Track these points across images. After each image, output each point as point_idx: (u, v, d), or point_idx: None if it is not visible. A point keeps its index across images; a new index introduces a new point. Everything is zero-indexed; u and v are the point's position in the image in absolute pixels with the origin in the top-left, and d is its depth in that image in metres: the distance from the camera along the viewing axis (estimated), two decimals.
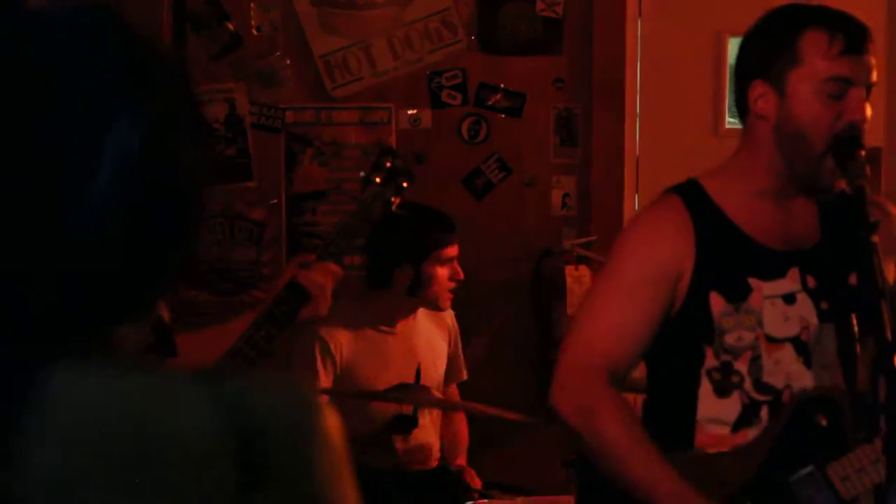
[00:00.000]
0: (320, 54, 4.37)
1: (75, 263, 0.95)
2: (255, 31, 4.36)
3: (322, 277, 2.65)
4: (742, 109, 2.47)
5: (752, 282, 2.40)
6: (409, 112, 4.40)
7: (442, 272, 3.71)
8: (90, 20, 0.99)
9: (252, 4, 4.36)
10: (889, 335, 2.11)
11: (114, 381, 0.97)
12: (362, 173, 2.81)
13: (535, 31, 4.38)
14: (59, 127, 0.95)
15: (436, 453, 3.87)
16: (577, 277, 4.29)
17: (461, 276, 3.76)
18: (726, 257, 2.42)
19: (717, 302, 2.39)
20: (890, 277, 2.40)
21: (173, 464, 0.94)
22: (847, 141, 2.32)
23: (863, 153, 2.31)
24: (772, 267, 2.41)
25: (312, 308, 2.65)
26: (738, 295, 2.39)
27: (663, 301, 2.41)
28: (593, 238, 4.33)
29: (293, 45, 4.37)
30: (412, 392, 3.47)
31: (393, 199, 2.75)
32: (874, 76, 2.39)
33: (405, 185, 2.76)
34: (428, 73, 4.39)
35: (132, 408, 0.95)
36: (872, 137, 2.67)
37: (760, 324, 2.39)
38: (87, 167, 0.95)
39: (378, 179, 2.75)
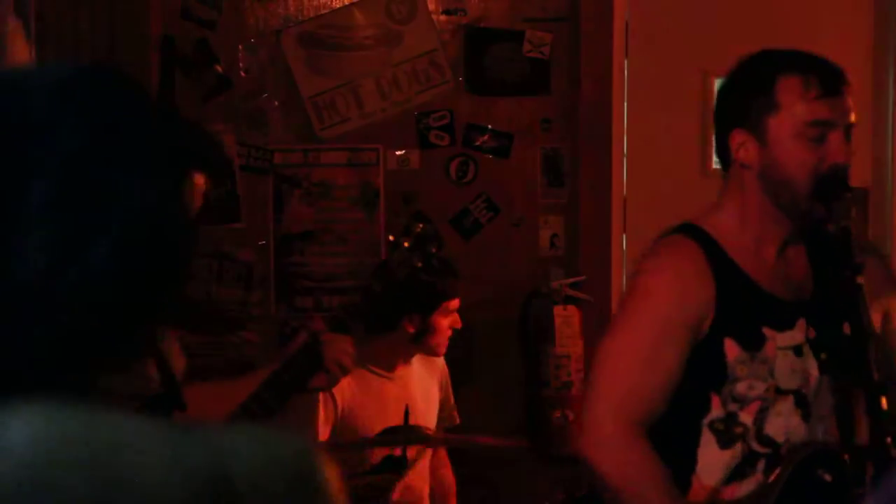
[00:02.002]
0: (308, 96, 4.38)
1: (67, 305, 0.95)
2: (243, 73, 4.37)
3: (340, 354, 2.63)
4: (725, 158, 2.47)
5: (767, 332, 2.38)
6: (397, 153, 4.41)
7: (445, 321, 3.74)
8: (85, 78, 1.00)
9: (240, 46, 4.37)
10: (876, 376, 2.11)
11: (82, 424, 0.96)
12: (391, 237, 2.83)
13: (523, 72, 4.40)
14: (64, 179, 0.96)
15: (426, 499, 3.85)
16: (565, 318, 4.29)
17: (460, 325, 3.81)
18: (742, 305, 2.39)
19: (732, 349, 2.36)
20: (877, 320, 2.39)
21: None
22: (832, 182, 2.33)
23: (849, 194, 2.31)
24: (783, 317, 2.40)
25: (324, 380, 2.63)
26: (754, 344, 2.36)
27: (690, 347, 2.37)
28: (581, 278, 4.34)
29: (281, 87, 4.38)
30: (407, 433, 3.46)
31: (418, 264, 2.76)
32: (853, 117, 2.39)
33: (434, 251, 2.77)
34: (416, 113, 4.40)
35: (96, 453, 0.94)
36: (859, 179, 2.67)
37: (773, 375, 2.37)
38: (90, 220, 0.95)
39: (406, 244, 2.76)
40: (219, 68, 4.35)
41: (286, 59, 4.37)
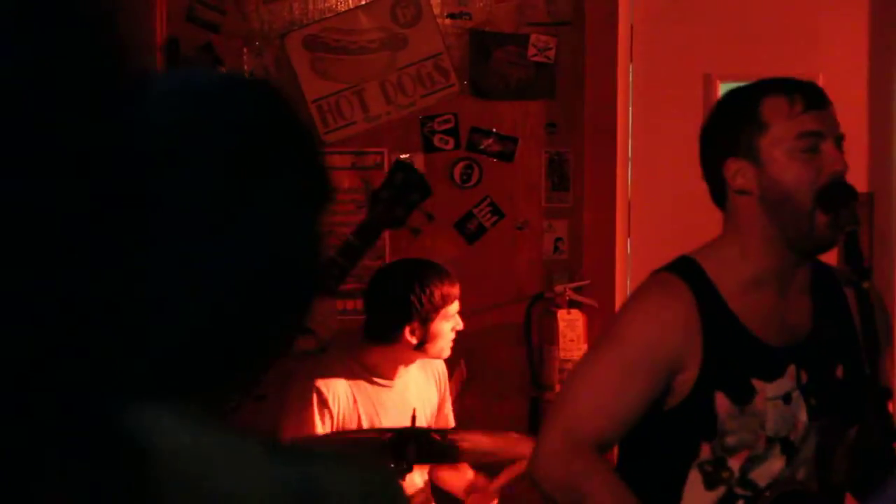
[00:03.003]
0: (313, 99, 4.38)
1: (193, 326, 0.94)
2: (247, 76, 4.37)
3: (325, 315, 2.62)
4: (719, 193, 2.46)
5: (757, 384, 2.37)
6: (402, 156, 4.40)
7: (446, 326, 3.74)
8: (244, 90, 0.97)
9: (245, 49, 4.37)
10: (882, 382, 2.11)
11: (191, 439, 0.94)
12: (371, 190, 2.68)
13: (527, 75, 4.40)
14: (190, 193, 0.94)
15: (432, 499, 3.86)
16: (569, 322, 4.28)
17: (462, 326, 3.80)
18: (731, 356, 2.38)
19: (722, 403, 2.35)
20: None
21: None
22: (835, 190, 2.33)
23: (854, 201, 2.31)
24: (773, 366, 2.38)
25: (312, 342, 2.62)
26: (743, 398, 2.35)
27: (659, 388, 2.36)
28: (585, 282, 4.34)
29: (286, 90, 4.37)
30: (410, 439, 3.45)
31: (400, 215, 2.64)
32: (840, 129, 2.40)
33: (416, 199, 2.64)
34: (420, 117, 4.40)
35: (200, 468, 0.93)
36: (860, 184, 2.68)
37: (763, 426, 2.36)
38: (217, 237, 0.94)
39: (386, 195, 2.64)
40: (223, 71, 4.35)
41: (291, 62, 4.37)
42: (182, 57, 4.33)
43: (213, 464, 0.93)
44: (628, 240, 4.43)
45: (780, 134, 2.36)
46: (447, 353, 3.81)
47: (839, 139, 2.38)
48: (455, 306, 3.75)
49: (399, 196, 2.62)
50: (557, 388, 4.25)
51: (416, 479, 3.76)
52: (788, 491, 2.35)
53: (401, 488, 1.01)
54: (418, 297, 3.67)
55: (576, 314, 4.29)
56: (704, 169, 2.48)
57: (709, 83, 4.41)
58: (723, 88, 4.35)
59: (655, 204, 4.35)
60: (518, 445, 3.49)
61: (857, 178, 2.53)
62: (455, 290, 3.76)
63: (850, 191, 2.32)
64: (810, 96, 2.38)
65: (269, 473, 0.94)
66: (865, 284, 2.19)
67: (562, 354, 4.26)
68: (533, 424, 4.29)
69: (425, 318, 3.69)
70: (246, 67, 4.37)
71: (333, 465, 0.99)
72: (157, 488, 0.89)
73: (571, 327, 4.27)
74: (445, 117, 4.40)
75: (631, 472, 2.44)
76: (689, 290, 2.39)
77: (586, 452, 2.33)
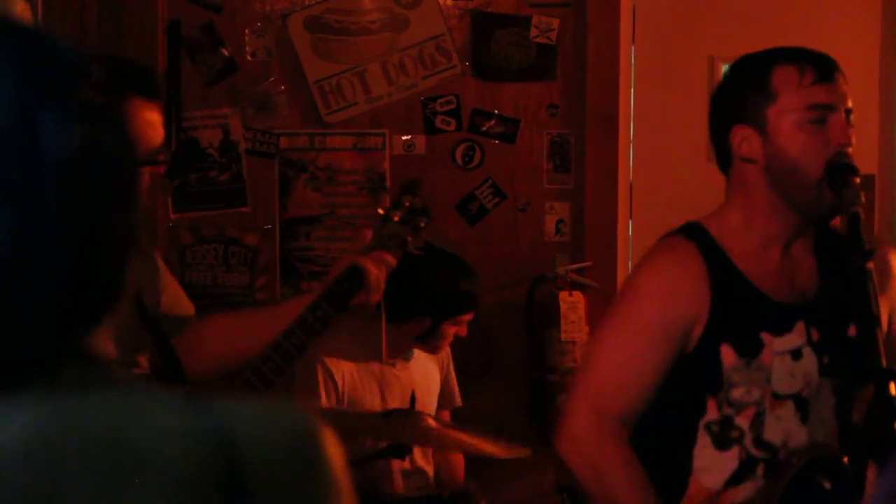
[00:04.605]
0: (315, 80, 4.38)
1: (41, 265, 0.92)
2: (249, 57, 4.36)
3: (377, 268, 2.67)
4: (725, 159, 2.45)
5: (765, 337, 2.37)
6: (403, 138, 4.40)
7: (452, 329, 3.75)
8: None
9: (246, 30, 4.36)
10: (884, 363, 2.10)
11: (92, 401, 0.95)
12: (381, 210, 2.82)
13: (530, 57, 4.39)
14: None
15: (430, 479, 3.86)
16: (570, 303, 4.28)
17: (464, 334, 3.81)
18: (740, 310, 2.38)
19: (728, 355, 2.35)
20: (884, 318, 2.38)
21: (151, 487, 0.92)
22: (841, 169, 2.32)
23: (857, 180, 2.31)
24: (781, 321, 2.39)
25: (364, 296, 2.67)
26: (750, 350, 2.36)
27: (676, 350, 2.37)
28: (587, 264, 4.33)
29: (287, 71, 4.38)
30: (409, 422, 3.45)
31: (409, 238, 2.77)
32: (850, 102, 2.39)
33: (422, 225, 2.77)
34: (422, 98, 4.39)
35: (109, 428, 0.93)
36: (865, 165, 2.67)
37: (769, 381, 2.36)
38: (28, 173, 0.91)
39: (396, 218, 2.76)
40: (225, 52, 4.34)
41: (292, 43, 4.36)
42: (184, 38, 4.32)
43: (118, 427, 0.93)
44: (630, 221, 4.43)
45: (788, 104, 2.35)
46: (441, 351, 3.85)
47: (848, 112, 2.38)
48: (469, 317, 3.76)
49: (408, 219, 2.75)
50: (558, 369, 4.26)
51: (419, 459, 3.77)
52: (816, 457, 2.34)
53: (323, 435, 1.01)
54: (450, 295, 3.68)
55: (577, 296, 4.29)
56: (711, 133, 2.48)
57: (712, 65, 4.40)
58: (726, 70, 4.34)
59: (657, 185, 4.34)
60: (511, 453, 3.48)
61: (863, 160, 2.52)
62: (475, 304, 3.76)
63: (851, 168, 2.32)
64: (822, 67, 2.37)
65: (181, 426, 0.94)
66: (868, 265, 2.19)
67: (563, 336, 4.26)
68: (534, 406, 4.30)
69: (442, 318, 3.70)
70: (248, 48, 4.36)
71: (249, 412, 0.99)
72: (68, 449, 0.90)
73: (573, 309, 4.27)
74: (447, 98, 4.39)
75: (642, 440, 2.45)
76: (696, 248, 2.41)
77: (615, 434, 2.35)
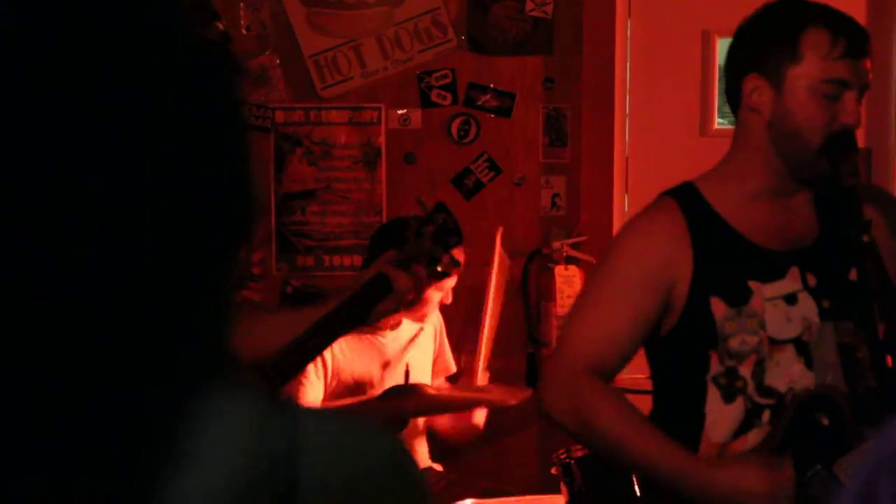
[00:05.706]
0: (310, 54, 4.37)
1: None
2: (244, 31, 4.35)
3: (406, 278, 2.71)
4: (734, 101, 2.46)
5: (753, 285, 2.38)
6: (399, 112, 4.40)
7: (437, 295, 3.74)
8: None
9: (241, 4, 4.35)
10: (881, 334, 2.11)
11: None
12: (411, 220, 2.86)
13: (525, 31, 4.38)
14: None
15: (425, 452, 3.87)
16: (566, 278, 4.29)
17: (450, 300, 3.82)
18: (725, 261, 2.40)
19: (718, 307, 2.37)
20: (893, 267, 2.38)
21: (202, 486, 0.86)
22: (840, 141, 2.32)
23: (855, 155, 2.31)
24: (771, 268, 2.40)
25: (390, 303, 2.70)
26: (739, 299, 2.37)
27: (654, 305, 2.39)
28: (583, 238, 4.34)
29: (283, 45, 4.37)
30: (407, 395, 3.46)
31: (440, 255, 2.81)
32: (870, 79, 2.39)
33: (453, 243, 2.82)
34: (417, 72, 4.39)
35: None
36: (860, 139, 2.67)
37: (763, 327, 2.37)
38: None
39: (430, 231, 2.80)
40: (220, 26, 4.33)
41: (288, 16, 4.35)
42: (178, 11, 4.30)
43: (199, 428, 0.87)
44: (626, 196, 4.44)
45: (810, 70, 2.34)
46: (429, 318, 3.83)
47: (863, 89, 2.37)
48: (453, 281, 3.74)
49: (441, 236, 2.78)
50: (554, 342, 4.27)
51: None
52: (810, 396, 2.35)
53: (400, 441, 0.97)
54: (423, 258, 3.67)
55: (573, 270, 4.30)
56: (727, 75, 2.47)
57: (707, 39, 4.40)
58: (721, 45, 4.33)
59: (653, 160, 4.34)
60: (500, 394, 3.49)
61: (858, 134, 2.52)
62: (458, 268, 3.75)
63: (851, 143, 2.32)
64: (854, 42, 2.35)
65: (249, 443, 0.88)
66: (865, 238, 2.19)
67: (559, 310, 4.26)
68: (530, 379, 4.30)
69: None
70: (243, 22, 4.35)
71: (329, 421, 0.95)
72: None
73: (569, 283, 4.28)
74: (443, 72, 4.39)
75: (657, 399, 2.51)
76: (676, 205, 2.43)
77: (587, 379, 2.37)
